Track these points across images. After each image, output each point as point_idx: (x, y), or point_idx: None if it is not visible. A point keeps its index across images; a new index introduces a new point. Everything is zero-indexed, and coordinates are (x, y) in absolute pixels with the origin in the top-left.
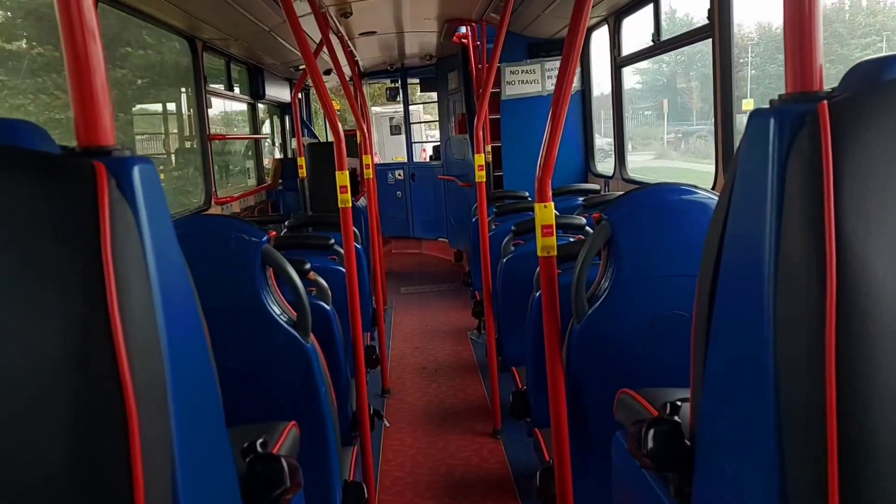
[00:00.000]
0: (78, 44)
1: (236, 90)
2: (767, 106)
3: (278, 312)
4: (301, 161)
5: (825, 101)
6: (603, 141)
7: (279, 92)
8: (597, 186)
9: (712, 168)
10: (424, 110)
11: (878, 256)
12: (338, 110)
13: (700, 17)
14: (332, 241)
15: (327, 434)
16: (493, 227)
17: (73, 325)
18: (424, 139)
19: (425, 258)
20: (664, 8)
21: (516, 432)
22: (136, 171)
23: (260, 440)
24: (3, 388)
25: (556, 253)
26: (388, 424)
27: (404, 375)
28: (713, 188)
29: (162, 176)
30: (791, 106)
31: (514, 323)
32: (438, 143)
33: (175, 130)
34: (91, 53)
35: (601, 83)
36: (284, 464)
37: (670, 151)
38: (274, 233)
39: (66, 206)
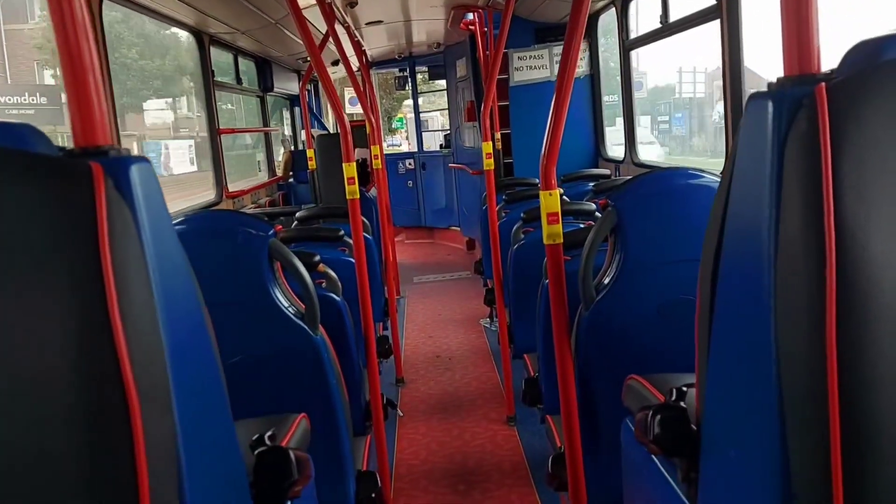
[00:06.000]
0: (71, 43)
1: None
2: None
3: (286, 305)
4: (310, 153)
5: (823, 84)
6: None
7: (288, 84)
8: (607, 171)
9: None
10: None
11: (878, 239)
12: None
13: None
14: (342, 232)
15: (338, 425)
16: (504, 214)
17: (74, 327)
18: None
19: (437, 247)
20: None
21: (530, 419)
22: (133, 171)
23: (269, 433)
24: (5, 392)
25: (562, 240)
26: (401, 414)
27: (418, 364)
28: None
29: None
30: (789, 89)
31: (526, 310)
32: (448, 132)
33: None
34: (85, 52)
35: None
36: (292, 456)
37: None
38: (280, 227)
39: (63, 207)
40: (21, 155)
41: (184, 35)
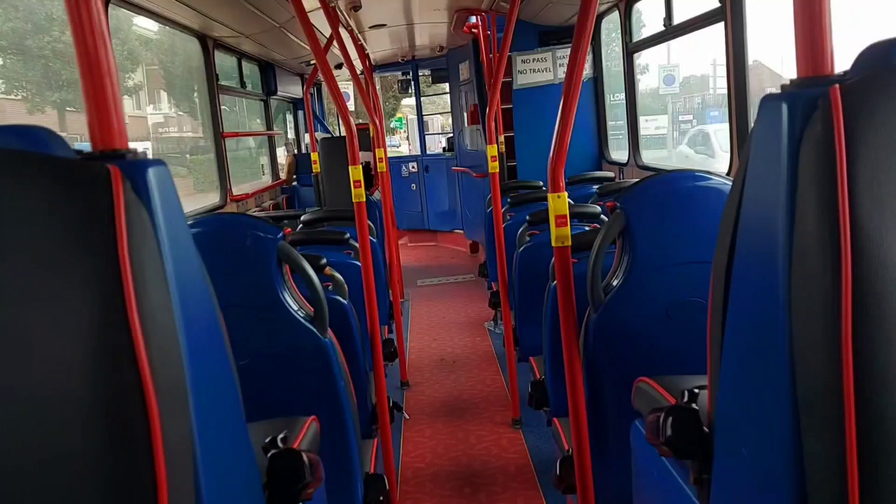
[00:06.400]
0: (90, 49)
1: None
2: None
3: (295, 308)
4: (314, 156)
5: (837, 85)
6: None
7: (291, 87)
8: (611, 174)
9: None
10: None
11: (894, 240)
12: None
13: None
14: (347, 235)
15: (347, 427)
16: (508, 217)
17: (93, 327)
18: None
19: (441, 250)
20: None
21: (536, 422)
22: (150, 174)
23: (281, 435)
24: (26, 391)
25: (570, 243)
26: (407, 417)
27: (423, 367)
28: (728, 174)
29: None
30: (803, 90)
31: (531, 313)
32: (451, 135)
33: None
34: (102, 58)
35: None
36: (305, 458)
37: None
38: (289, 230)
39: (82, 209)
40: (40, 158)
41: (137, 18)
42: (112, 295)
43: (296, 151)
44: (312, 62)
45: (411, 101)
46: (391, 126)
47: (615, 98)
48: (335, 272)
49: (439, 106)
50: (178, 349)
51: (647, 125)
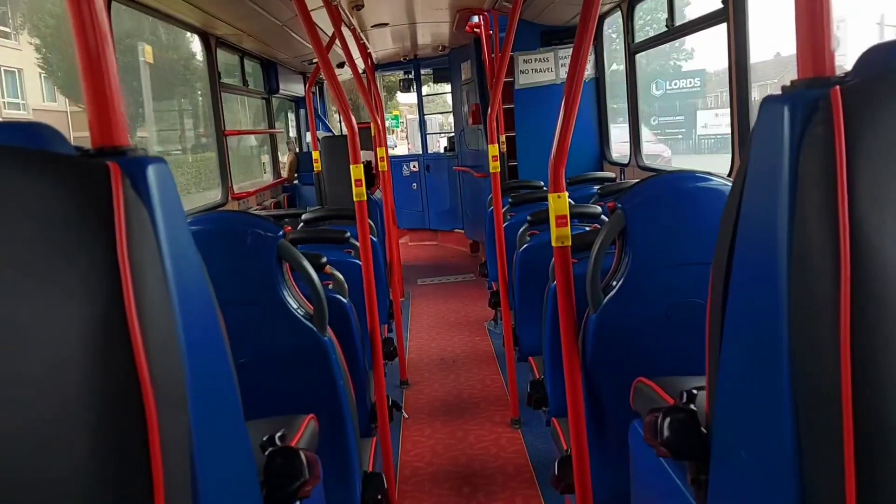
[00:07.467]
0: (91, 45)
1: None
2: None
3: (295, 307)
4: (316, 155)
5: (838, 87)
6: None
7: (293, 86)
8: (612, 175)
9: None
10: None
11: (893, 242)
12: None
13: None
14: (348, 234)
15: (346, 426)
16: (509, 217)
17: (91, 324)
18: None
19: (442, 250)
20: None
21: (535, 422)
22: (150, 171)
23: (279, 433)
24: (23, 388)
25: (570, 243)
26: (406, 416)
27: (422, 367)
28: (729, 175)
29: None
30: (804, 92)
31: (531, 313)
32: (451, 134)
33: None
34: (104, 55)
35: None
36: (303, 457)
37: None
38: (289, 227)
39: (81, 206)
40: (40, 154)
41: None
42: (111, 292)
43: (297, 150)
44: (314, 61)
45: (406, 98)
46: (386, 125)
47: (657, 90)
48: (335, 271)
49: (438, 105)
50: (177, 347)
51: (717, 121)
